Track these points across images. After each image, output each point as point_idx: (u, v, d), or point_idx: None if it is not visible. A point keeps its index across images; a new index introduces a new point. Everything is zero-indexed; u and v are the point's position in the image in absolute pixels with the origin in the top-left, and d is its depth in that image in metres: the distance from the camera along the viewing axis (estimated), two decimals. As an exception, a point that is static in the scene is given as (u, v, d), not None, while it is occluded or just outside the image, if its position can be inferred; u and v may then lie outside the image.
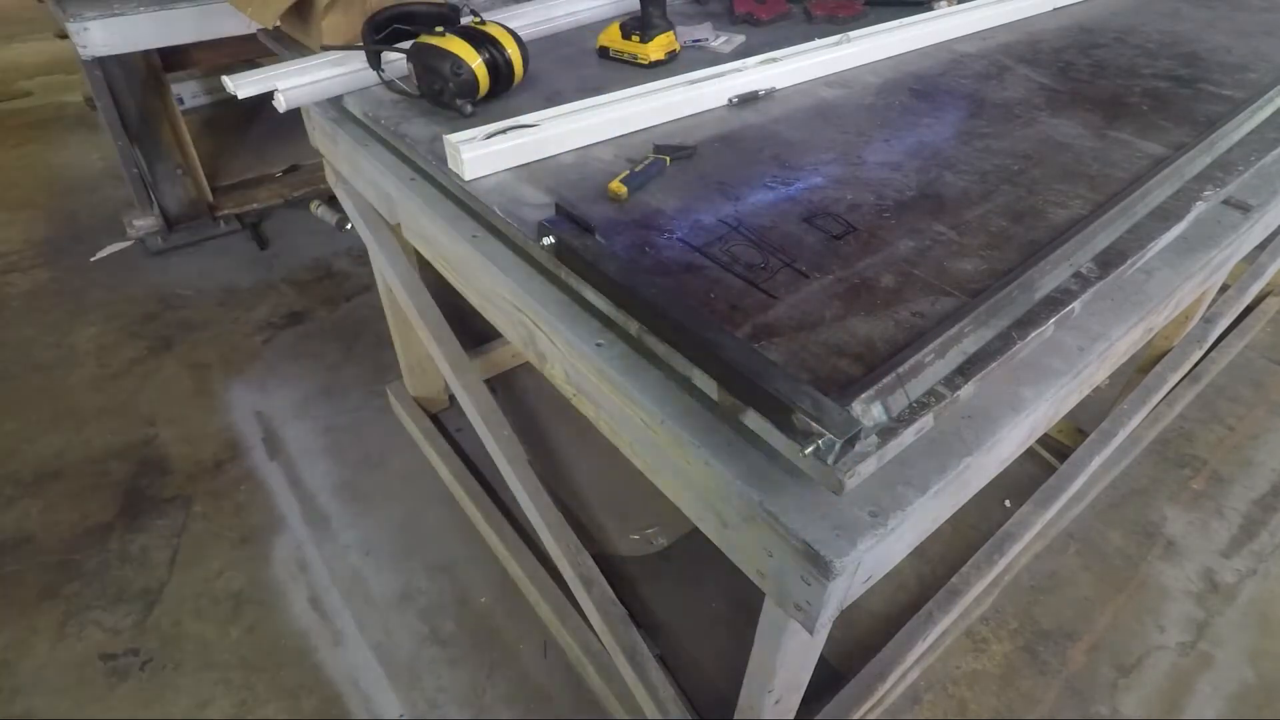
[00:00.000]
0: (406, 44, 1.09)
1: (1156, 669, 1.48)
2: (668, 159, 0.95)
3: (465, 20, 1.15)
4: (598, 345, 0.78)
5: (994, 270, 0.77)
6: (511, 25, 1.11)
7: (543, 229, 0.78)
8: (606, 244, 0.78)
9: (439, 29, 1.07)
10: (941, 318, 0.70)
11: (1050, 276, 0.74)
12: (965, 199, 0.90)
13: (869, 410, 0.59)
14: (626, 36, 1.23)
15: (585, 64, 1.27)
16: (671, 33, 1.24)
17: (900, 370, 0.60)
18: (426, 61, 1.04)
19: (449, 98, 1.04)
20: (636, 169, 0.92)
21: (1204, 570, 1.65)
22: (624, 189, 0.88)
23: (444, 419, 1.94)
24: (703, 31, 1.35)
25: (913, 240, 0.82)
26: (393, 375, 1.98)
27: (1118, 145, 1.02)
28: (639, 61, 1.23)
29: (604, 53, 1.27)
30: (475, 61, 1.04)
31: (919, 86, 1.19)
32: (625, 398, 0.75)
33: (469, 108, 1.05)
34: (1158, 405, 1.74)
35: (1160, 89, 1.18)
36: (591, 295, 0.75)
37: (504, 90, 1.11)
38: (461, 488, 1.70)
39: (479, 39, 1.06)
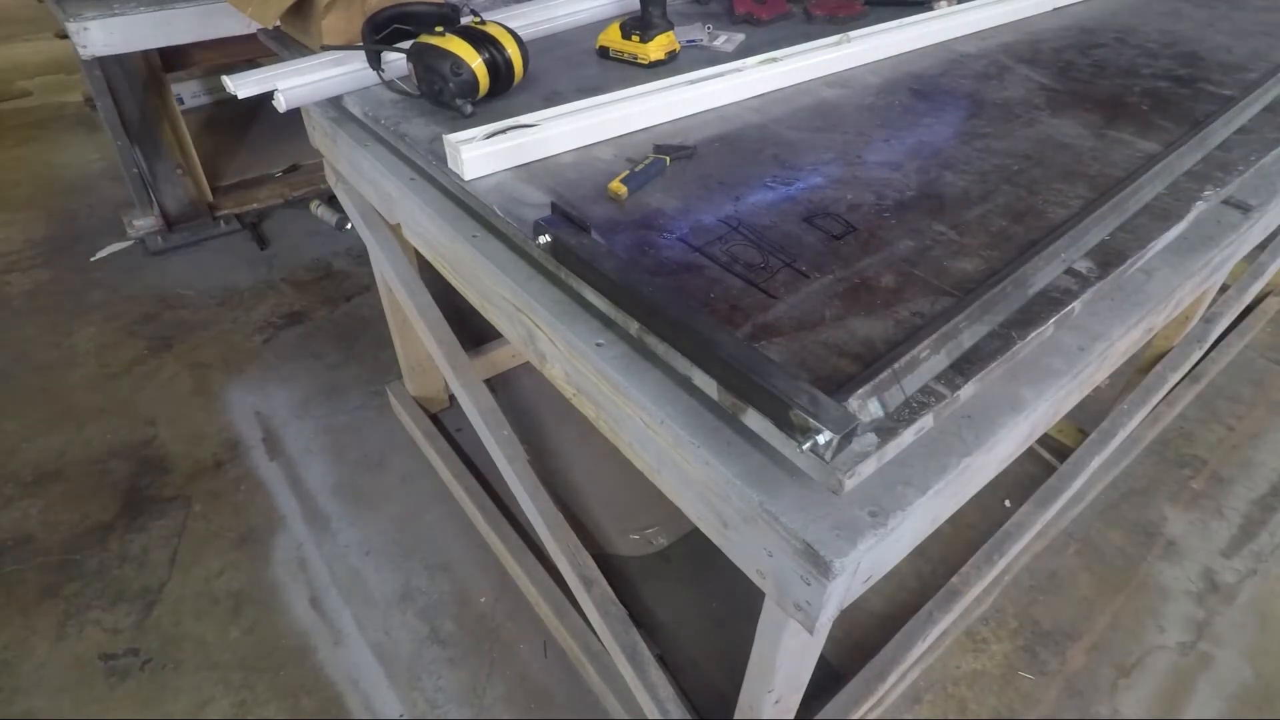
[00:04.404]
0: (406, 44, 1.09)
1: (1156, 669, 1.47)
2: (668, 159, 0.95)
3: (465, 20, 1.15)
4: (598, 345, 0.77)
5: (994, 270, 0.77)
6: (511, 25, 1.11)
7: (539, 228, 0.78)
8: (603, 243, 0.78)
9: (439, 29, 1.06)
10: (939, 316, 0.70)
11: (1043, 272, 0.74)
12: (965, 199, 0.90)
13: (865, 406, 0.59)
14: (626, 36, 1.23)
15: (585, 64, 1.27)
16: (671, 33, 1.24)
17: (896, 366, 0.60)
18: (426, 61, 1.04)
19: (449, 98, 1.04)
20: (636, 169, 0.92)
21: (1204, 570, 1.65)
22: (624, 189, 0.88)
23: (444, 419, 1.94)
24: (702, 31, 1.35)
25: (913, 240, 0.82)
26: (393, 375, 1.98)
27: (1118, 145, 1.02)
28: (639, 61, 1.23)
29: (604, 53, 1.27)
30: (475, 61, 1.04)
31: (919, 86, 1.19)
32: (625, 398, 0.75)
33: (469, 108, 1.05)
34: (1158, 405, 1.74)
35: (1160, 89, 1.18)
36: (590, 295, 0.75)
37: (504, 90, 1.11)
38: (461, 487, 1.70)
39: (479, 39, 1.06)
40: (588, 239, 0.76)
